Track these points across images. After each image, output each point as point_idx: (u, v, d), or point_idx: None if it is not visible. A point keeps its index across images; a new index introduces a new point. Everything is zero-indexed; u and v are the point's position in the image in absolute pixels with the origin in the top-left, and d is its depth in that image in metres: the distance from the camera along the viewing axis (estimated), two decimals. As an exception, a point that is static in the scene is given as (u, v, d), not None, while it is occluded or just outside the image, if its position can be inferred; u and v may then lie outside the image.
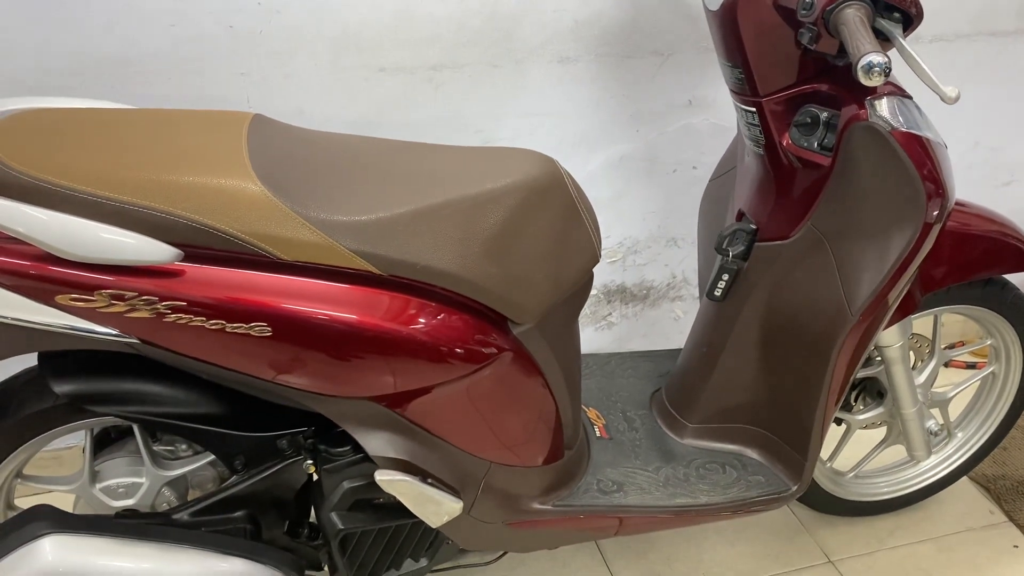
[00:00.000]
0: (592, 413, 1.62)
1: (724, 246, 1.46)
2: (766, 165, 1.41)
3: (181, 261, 1.05)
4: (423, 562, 1.41)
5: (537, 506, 1.40)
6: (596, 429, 1.58)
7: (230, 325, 1.06)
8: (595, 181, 1.91)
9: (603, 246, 1.29)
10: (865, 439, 1.77)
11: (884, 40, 1.22)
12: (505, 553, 1.56)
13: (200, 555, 1.22)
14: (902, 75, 1.31)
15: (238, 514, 1.28)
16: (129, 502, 1.30)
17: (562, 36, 1.76)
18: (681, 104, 1.89)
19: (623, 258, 2.04)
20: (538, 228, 1.21)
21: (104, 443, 1.33)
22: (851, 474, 1.80)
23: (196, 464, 1.31)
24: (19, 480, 1.32)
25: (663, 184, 1.97)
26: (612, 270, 2.05)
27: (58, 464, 1.84)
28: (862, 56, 1.12)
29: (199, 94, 1.62)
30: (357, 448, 1.25)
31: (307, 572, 1.37)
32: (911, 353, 1.64)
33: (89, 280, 1.02)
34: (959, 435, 1.83)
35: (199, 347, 1.09)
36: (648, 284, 2.09)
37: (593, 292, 2.02)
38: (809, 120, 1.33)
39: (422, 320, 1.15)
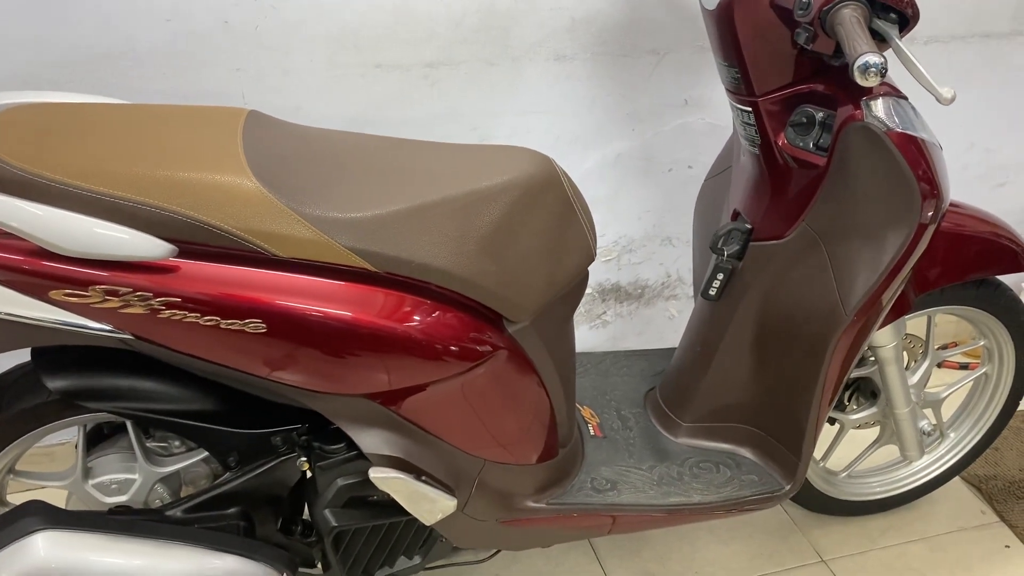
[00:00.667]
0: (586, 412, 1.62)
1: (719, 245, 1.46)
2: (762, 165, 1.41)
3: (176, 257, 1.05)
4: (416, 560, 1.41)
5: (531, 504, 1.40)
6: (590, 427, 1.58)
7: (224, 321, 1.06)
8: (591, 179, 1.92)
9: (598, 245, 1.29)
10: (858, 439, 1.78)
11: (880, 41, 1.22)
12: (498, 551, 1.56)
13: (193, 552, 1.21)
14: (898, 76, 1.31)
15: (231, 511, 1.28)
16: (122, 498, 1.30)
17: (559, 34, 1.75)
18: (677, 103, 1.89)
19: (618, 257, 2.04)
20: (534, 226, 1.21)
21: (97, 439, 1.33)
22: (844, 474, 1.81)
23: (189, 461, 1.31)
24: (11, 476, 1.32)
25: (658, 183, 1.98)
26: (607, 269, 2.05)
27: (50, 460, 1.83)
28: (858, 56, 1.13)
29: (195, 90, 1.61)
30: (351, 445, 1.25)
31: (300, 569, 1.37)
32: (904, 353, 1.64)
33: (83, 275, 1.02)
34: (952, 435, 1.84)
35: (193, 343, 1.09)
36: (643, 283, 2.10)
37: (588, 291, 2.02)
38: (805, 120, 1.34)
39: (417, 317, 1.15)
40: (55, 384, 1.18)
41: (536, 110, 1.82)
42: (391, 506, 1.29)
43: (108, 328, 1.06)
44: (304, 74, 1.66)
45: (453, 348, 1.17)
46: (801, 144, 1.35)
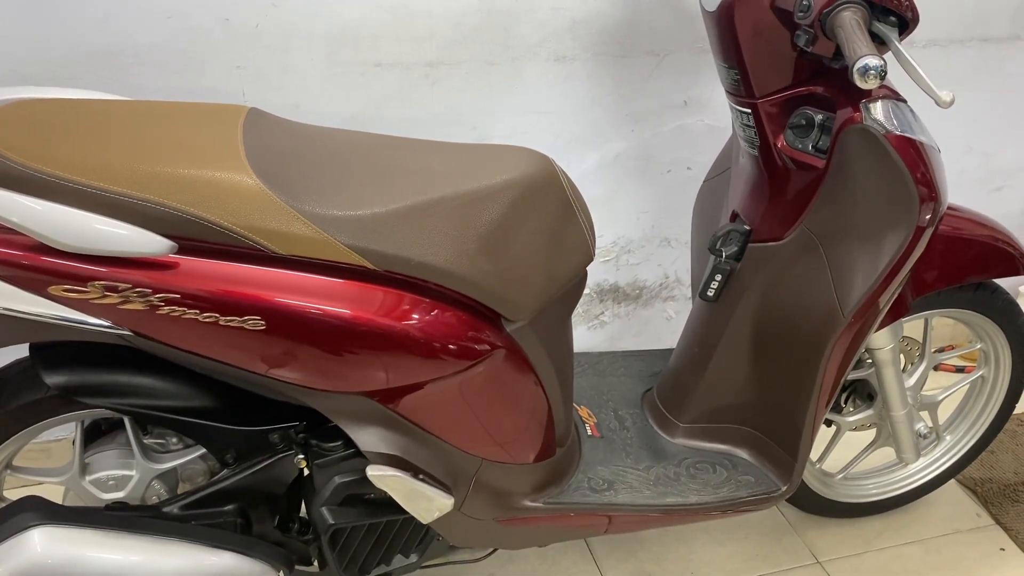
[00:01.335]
0: (583, 411, 1.62)
1: (718, 246, 1.46)
2: (760, 166, 1.41)
3: (175, 253, 1.05)
4: (413, 558, 1.42)
5: (528, 503, 1.40)
6: (587, 427, 1.58)
7: (223, 318, 1.06)
8: (589, 180, 1.92)
9: (596, 245, 1.30)
10: (854, 441, 1.78)
11: (880, 44, 1.22)
12: (495, 550, 1.56)
13: (190, 548, 1.21)
14: (897, 79, 1.32)
15: (228, 508, 1.28)
16: (119, 495, 1.30)
17: (559, 35, 1.76)
18: (676, 104, 1.90)
19: (616, 257, 2.04)
20: (533, 225, 1.21)
21: (94, 435, 1.33)
22: (840, 475, 1.81)
23: (186, 457, 1.31)
24: (9, 471, 1.32)
25: (657, 184, 1.98)
26: (605, 269, 2.05)
27: (47, 456, 1.83)
28: (858, 59, 1.13)
29: (195, 87, 1.61)
30: (349, 443, 1.25)
31: (297, 567, 1.37)
32: (901, 356, 1.64)
33: (82, 271, 1.02)
34: (948, 438, 1.84)
35: (192, 340, 1.09)
36: (641, 284, 2.10)
37: (586, 291, 2.01)
38: (804, 122, 1.34)
39: (416, 316, 1.15)
40: (53, 380, 1.18)
41: (536, 110, 1.82)
42: (388, 504, 1.29)
43: (107, 324, 1.06)
44: (304, 72, 1.66)
45: (451, 347, 1.17)
46: (800, 146, 1.35)
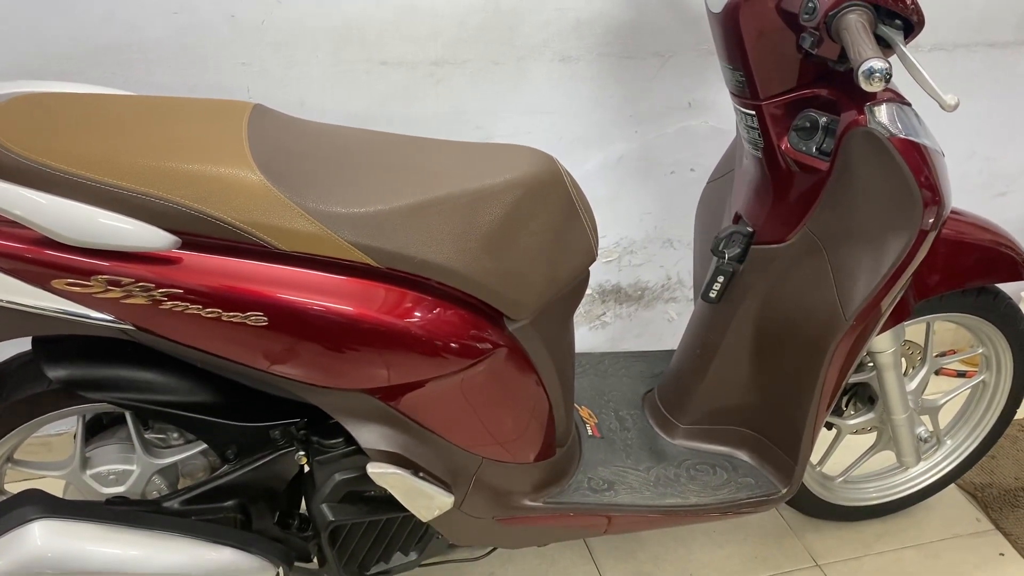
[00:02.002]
0: (584, 412, 1.62)
1: (720, 248, 1.46)
2: (764, 168, 1.41)
3: (178, 249, 1.05)
4: (412, 556, 1.42)
5: (528, 503, 1.40)
6: (588, 428, 1.58)
7: (226, 314, 1.06)
8: (592, 180, 1.92)
9: (599, 246, 1.30)
10: (855, 444, 1.78)
11: (885, 47, 1.22)
12: (494, 549, 1.56)
13: (190, 543, 1.22)
14: (901, 83, 1.32)
15: (229, 503, 1.28)
16: (119, 489, 1.30)
17: (564, 35, 1.76)
18: (680, 106, 1.90)
19: (619, 258, 2.04)
20: (536, 225, 1.21)
21: (95, 430, 1.33)
22: (840, 479, 1.81)
23: (187, 453, 1.31)
24: (10, 465, 1.32)
25: (660, 185, 1.98)
26: (607, 270, 2.05)
27: (47, 450, 1.83)
28: (864, 61, 1.13)
29: (199, 83, 1.61)
30: (349, 440, 1.25)
31: (296, 564, 1.37)
32: (903, 360, 1.64)
33: (86, 265, 1.02)
34: (948, 443, 1.84)
35: (194, 335, 1.09)
36: (643, 285, 2.10)
37: (588, 292, 2.01)
38: (808, 124, 1.34)
39: (418, 314, 1.15)
40: (55, 373, 1.18)
41: (540, 110, 1.82)
42: (388, 502, 1.29)
43: (109, 318, 1.06)
44: (309, 69, 1.66)
45: (453, 345, 1.17)
46: (804, 148, 1.35)
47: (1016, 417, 1.83)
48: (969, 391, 1.82)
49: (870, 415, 1.69)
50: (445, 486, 1.29)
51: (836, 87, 1.32)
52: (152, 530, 1.21)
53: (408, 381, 1.19)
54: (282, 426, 1.26)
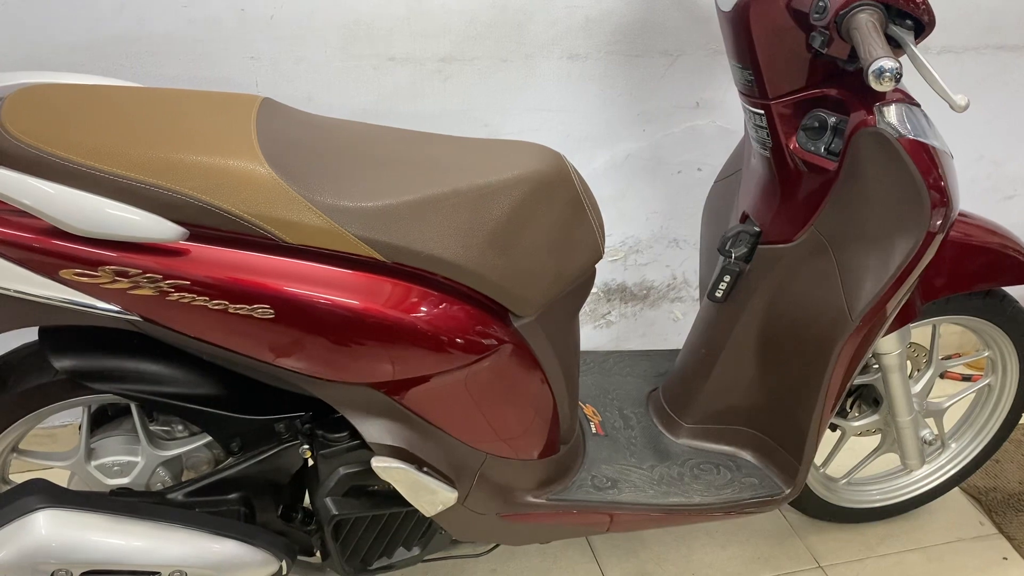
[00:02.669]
0: (589, 409, 1.62)
1: (727, 247, 1.46)
2: (772, 168, 1.41)
3: (186, 240, 1.05)
4: (415, 551, 1.42)
5: (531, 499, 1.40)
6: (592, 425, 1.58)
7: (233, 306, 1.07)
8: (599, 179, 1.92)
9: (605, 244, 1.30)
10: (859, 446, 1.78)
11: (895, 47, 1.22)
12: (497, 545, 1.56)
13: (193, 535, 1.22)
14: (911, 86, 1.31)
15: (232, 496, 1.29)
16: (124, 480, 1.30)
17: (573, 33, 1.76)
18: (688, 105, 1.90)
19: (624, 257, 2.04)
20: (543, 222, 1.21)
21: (101, 421, 1.33)
22: (844, 480, 1.81)
23: (192, 445, 1.31)
24: (15, 455, 1.32)
25: (667, 184, 1.98)
26: (613, 269, 2.05)
27: (53, 441, 1.84)
28: (874, 60, 1.13)
29: (208, 76, 1.62)
30: (354, 434, 1.25)
31: (299, 557, 1.37)
32: (908, 362, 1.64)
33: (94, 256, 1.02)
34: (953, 446, 1.84)
35: (201, 327, 1.09)
36: (648, 284, 2.10)
37: (593, 290, 2.02)
38: (817, 124, 1.34)
39: (424, 309, 1.15)
40: (62, 364, 1.18)
41: (547, 108, 1.82)
42: (392, 496, 1.29)
43: (116, 309, 1.06)
44: (317, 64, 1.66)
45: (459, 340, 1.18)
46: (812, 148, 1.35)
47: (1021, 421, 1.82)
48: (974, 394, 1.82)
49: (875, 417, 1.69)
50: (449, 481, 1.30)
51: (845, 87, 1.31)
52: (156, 521, 1.21)
53: (413, 376, 1.19)
54: (287, 419, 1.27)
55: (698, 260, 1.75)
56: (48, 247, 1.02)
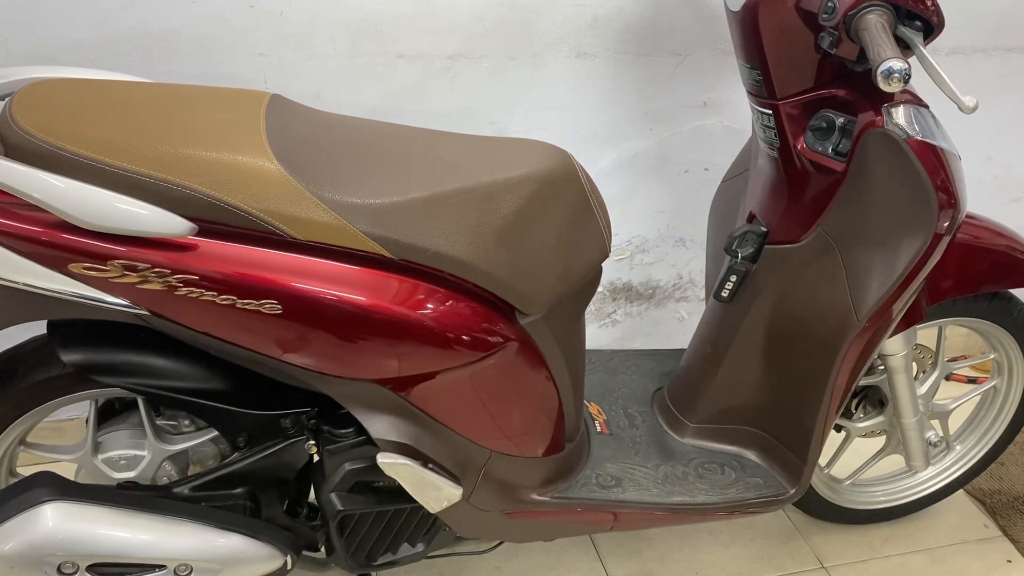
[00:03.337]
0: (594, 408, 1.62)
1: (734, 247, 1.46)
2: (779, 168, 1.41)
3: (195, 235, 1.05)
4: (420, 547, 1.42)
5: (535, 497, 1.40)
6: (597, 424, 1.58)
7: (241, 301, 1.07)
8: (606, 178, 1.92)
9: (612, 243, 1.30)
10: (864, 447, 1.78)
11: (904, 48, 1.22)
12: (501, 543, 1.57)
13: (199, 529, 1.22)
14: (919, 87, 1.31)
15: (238, 491, 1.29)
16: (130, 474, 1.30)
17: (581, 31, 1.76)
18: (696, 105, 1.89)
19: (630, 256, 2.04)
20: (550, 220, 1.22)
21: (108, 415, 1.34)
22: (848, 481, 1.81)
23: (198, 440, 1.31)
24: (22, 447, 1.33)
25: (674, 184, 1.98)
26: (619, 268, 2.05)
27: (60, 435, 1.84)
28: (883, 61, 1.13)
29: (217, 73, 1.62)
30: (360, 430, 1.26)
31: (304, 552, 1.38)
32: (914, 363, 1.64)
33: (103, 250, 1.03)
34: (958, 448, 1.84)
35: (209, 322, 1.09)
36: (654, 283, 2.10)
37: (599, 289, 2.01)
38: (825, 125, 1.34)
39: (430, 305, 1.15)
40: (70, 357, 1.18)
41: (555, 106, 1.82)
42: (397, 493, 1.30)
43: (125, 303, 1.06)
44: (326, 61, 1.67)
45: (465, 337, 1.18)
46: (820, 149, 1.35)
47: (1027, 424, 1.82)
48: (980, 397, 1.82)
49: (880, 418, 1.69)
50: (454, 478, 1.30)
51: (853, 88, 1.31)
52: (162, 515, 1.21)
53: (419, 372, 1.19)
54: (293, 415, 1.27)
55: (704, 260, 1.75)
56: (57, 241, 1.02)
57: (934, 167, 1.24)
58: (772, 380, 1.50)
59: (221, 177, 1.05)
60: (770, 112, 1.37)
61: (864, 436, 1.72)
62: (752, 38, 1.32)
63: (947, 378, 1.72)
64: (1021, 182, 2.24)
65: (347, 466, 1.28)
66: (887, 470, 1.85)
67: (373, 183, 1.13)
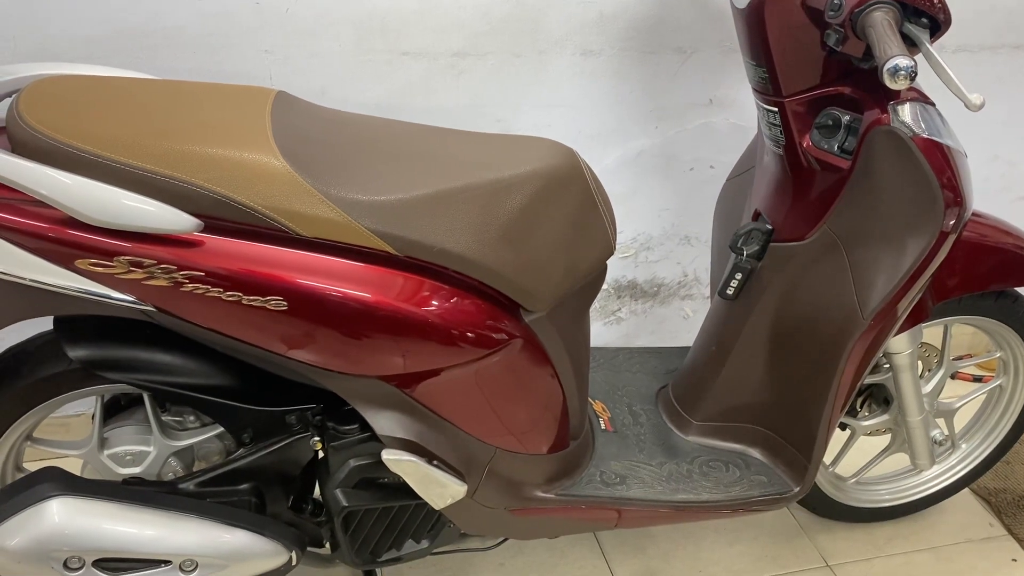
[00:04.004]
0: (598, 406, 1.62)
1: (739, 245, 1.46)
2: (785, 166, 1.41)
3: (201, 232, 1.06)
4: (424, 544, 1.42)
5: (540, 494, 1.40)
6: (601, 422, 1.58)
7: (246, 297, 1.07)
8: (611, 175, 1.92)
9: (617, 240, 1.30)
10: (869, 446, 1.78)
11: (911, 45, 1.22)
12: (505, 540, 1.57)
13: (204, 524, 1.23)
14: (925, 85, 1.31)
15: (243, 487, 1.29)
16: (136, 470, 1.31)
17: (587, 29, 1.76)
18: (702, 102, 1.89)
19: (635, 254, 2.04)
20: (555, 217, 1.22)
21: (113, 411, 1.34)
22: (853, 480, 1.81)
23: (203, 436, 1.32)
24: (29, 443, 1.33)
25: (679, 182, 1.97)
26: (624, 265, 2.05)
27: (66, 431, 1.85)
28: (889, 59, 1.12)
29: (223, 70, 1.62)
30: (365, 427, 1.26)
31: (309, 548, 1.38)
32: (919, 362, 1.63)
33: (109, 246, 1.03)
34: (963, 446, 1.83)
35: (214, 318, 1.10)
36: (659, 281, 2.10)
37: (603, 287, 2.01)
38: (831, 122, 1.33)
39: (435, 302, 1.16)
40: (76, 353, 1.19)
41: (560, 104, 1.82)
42: (402, 489, 1.30)
43: (131, 299, 1.07)
44: (331, 58, 1.67)
45: (469, 334, 1.18)
46: (826, 146, 1.35)
47: (1032, 422, 1.81)
48: (985, 395, 1.81)
49: (885, 416, 1.68)
50: (458, 475, 1.30)
51: (859, 85, 1.31)
52: (168, 511, 1.22)
53: (424, 369, 1.19)
54: (298, 411, 1.27)
55: (709, 257, 1.75)
56: (64, 237, 1.02)
57: (940, 165, 1.24)
58: (777, 378, 1.50)
59: (227, 174, 1.05)
60: (776, 110, 1.36)
61: (869, 434, 1.72)
62: (758, 35, 1.32)
63: (952, 376, 1.71)
64: (1028, 180, 2.24)
65: (352, 462, 1.28)
66: (892, 468, 1.85)
67: (378, 180, 1.13)
